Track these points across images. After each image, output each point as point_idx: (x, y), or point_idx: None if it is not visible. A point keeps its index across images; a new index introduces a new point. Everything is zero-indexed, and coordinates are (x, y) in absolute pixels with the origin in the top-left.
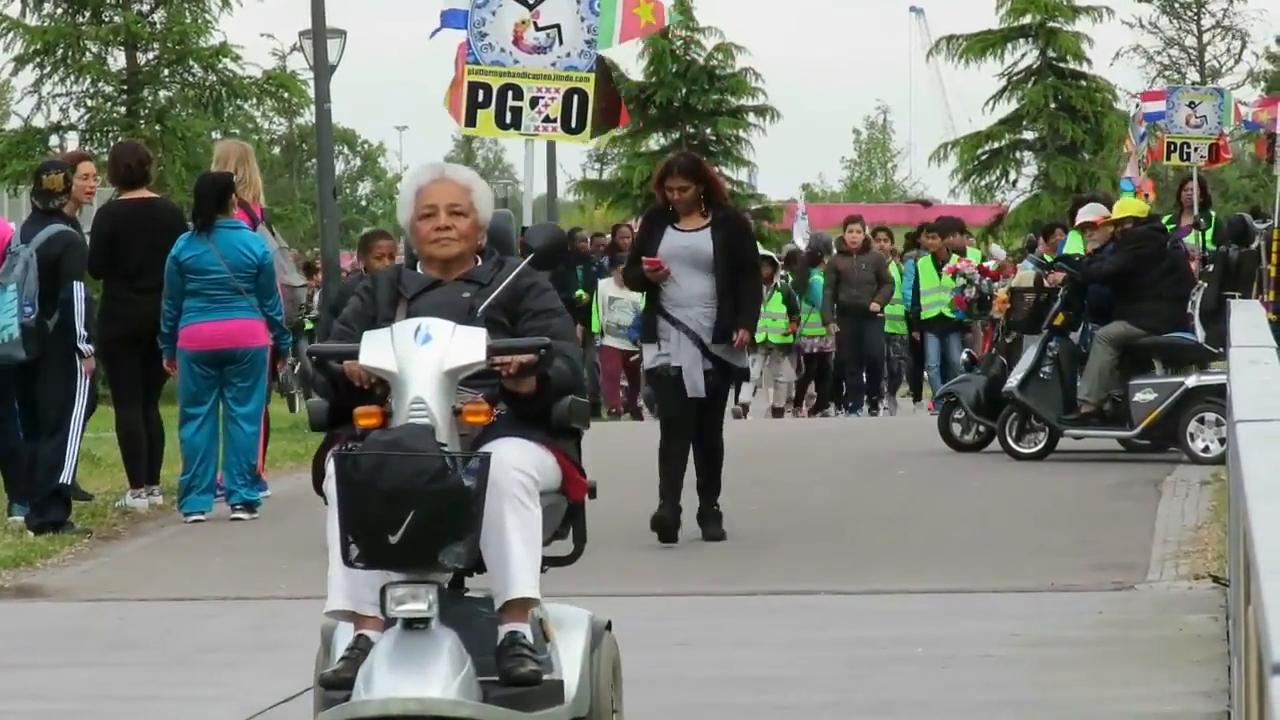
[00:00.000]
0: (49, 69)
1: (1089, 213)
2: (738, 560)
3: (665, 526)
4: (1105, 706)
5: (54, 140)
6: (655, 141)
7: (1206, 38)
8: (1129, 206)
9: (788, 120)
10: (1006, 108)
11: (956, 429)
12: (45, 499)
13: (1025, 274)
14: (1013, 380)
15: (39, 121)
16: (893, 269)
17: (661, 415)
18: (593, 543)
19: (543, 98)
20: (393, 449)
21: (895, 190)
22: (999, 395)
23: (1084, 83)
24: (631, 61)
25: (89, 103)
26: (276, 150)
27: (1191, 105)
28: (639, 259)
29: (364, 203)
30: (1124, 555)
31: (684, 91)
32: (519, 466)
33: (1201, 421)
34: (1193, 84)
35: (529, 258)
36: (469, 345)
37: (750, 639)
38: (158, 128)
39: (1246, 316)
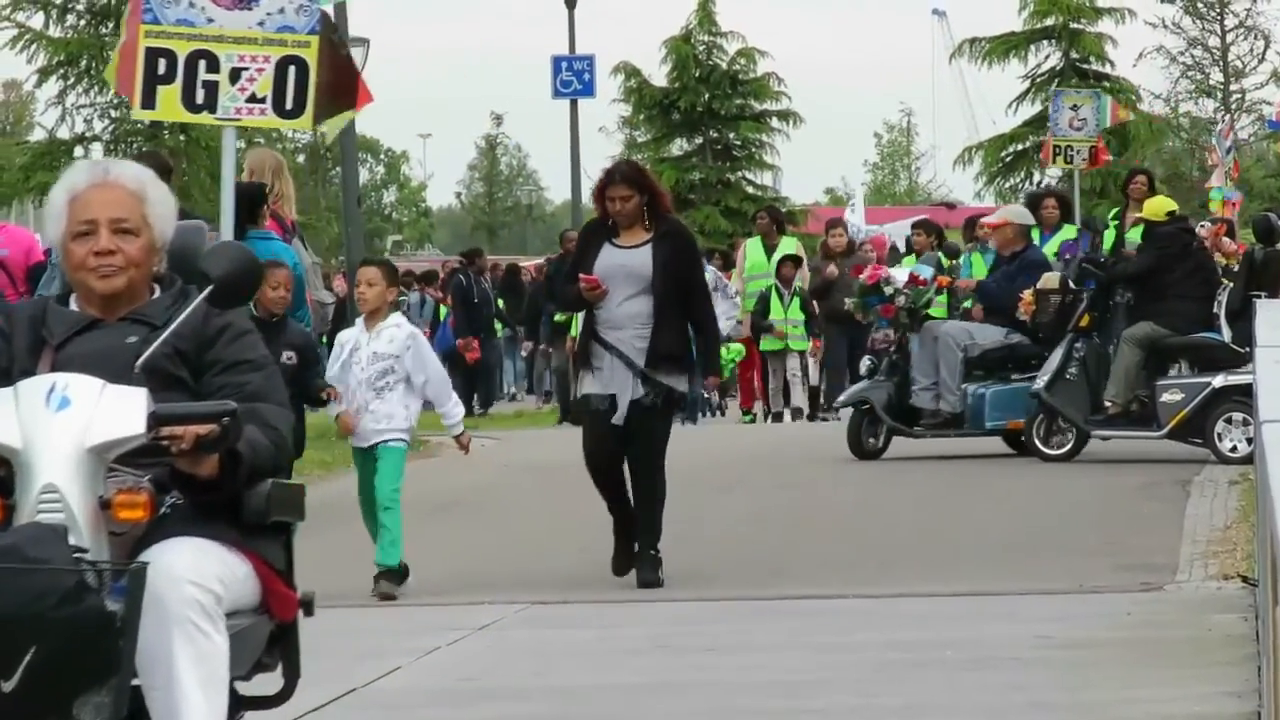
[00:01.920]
0: (72, 80)
1: (996, 216)
2: (766, 564)
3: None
4: (1134, 708)
5: (78, 151)
6: (679, 147)
7: (1230, 38)
8: (1155, 205)
9: (811, 124)
10: (1030, 109)
11: (869, 438)
12: None
13: (1051, 276)
14: (1040, 382)
15: (63, 133)
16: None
17: (585, 452)
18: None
19: (247, 69)
20: (6, 559)
21: (920, 193)
22: (908, 399)
23: (1107, 84)
24: (655, 66)
25: (113, 114)
26: (301, 159)
27: (1074, 108)
28: (574, 277)
29: (388, 211)
30: (1152, 556)
31: (707, 96)
32: (194, 579)
33: (1229, 421)
34: (1074, 86)
35: (206, 290)
36: (123, 411)
37: (778, 643)
38: (181, 138)
39: (1272, 316)
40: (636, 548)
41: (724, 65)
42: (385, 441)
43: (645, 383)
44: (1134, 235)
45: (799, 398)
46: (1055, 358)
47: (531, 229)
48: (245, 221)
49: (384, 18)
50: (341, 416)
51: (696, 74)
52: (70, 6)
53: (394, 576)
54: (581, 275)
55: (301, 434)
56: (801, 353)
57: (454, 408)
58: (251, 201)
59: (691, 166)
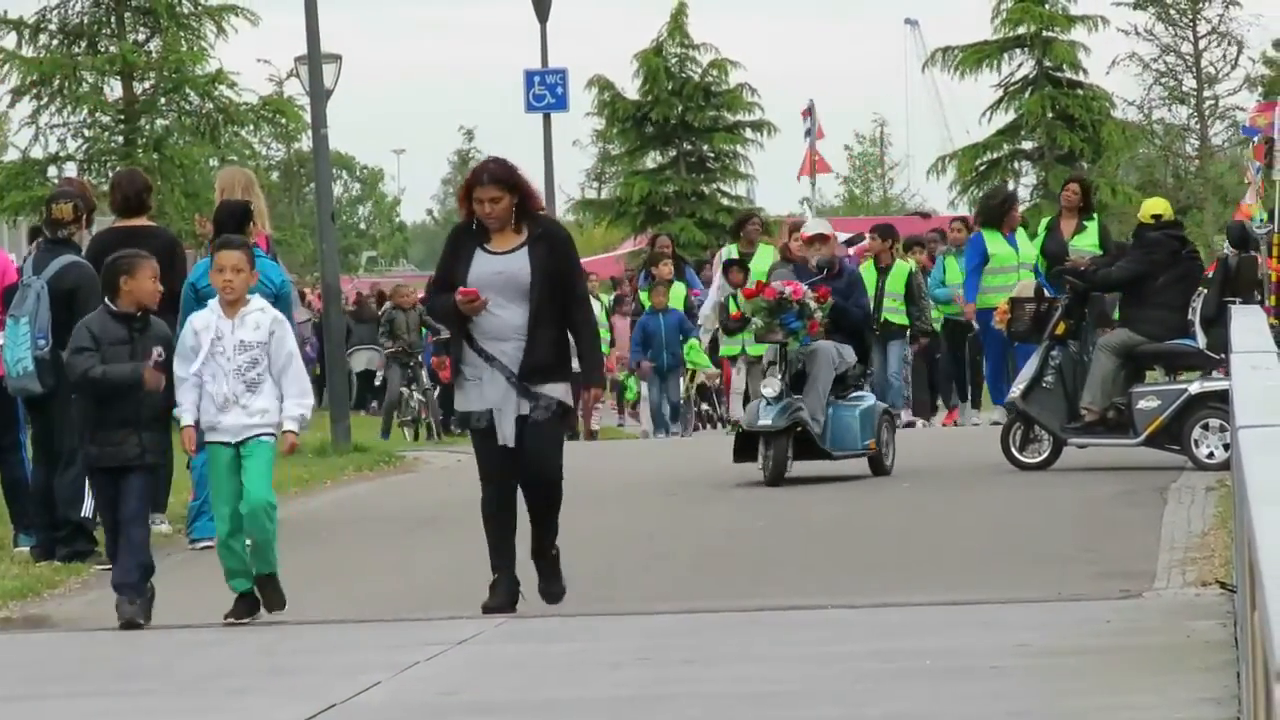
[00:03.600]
0: (46, 100)
1: (816, 226)
2: (744, 575)
3: (501, 612)
4: (1115, 714)
5: (52, 171)
6: (652, 159)
7: (1202, 44)
8: (1144, 207)
9: (785, 134)
10: (1004, 118)
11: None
12: (69, 532)
13: (1025, 284)
14: (1015, 390)
15: (37, 153)
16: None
17: (479, 470)
18: (597, 561)
19: None
20: None
21: (894, 203)
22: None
23: (1080, 91)
24: (627, 80)
25: (86, 133)
26: (275, 176)
27: None
28: (444, 287)
29: (363, 226)
30: (1131, 563)
31: (680, 108)
32: None
33: (1206, 427)
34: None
35: None
36: None
37: (758, 654)
38: (155, 156)
39: (1248, 322)
40: (531, 544)
41: (696, 77)
42: (257, 436)
43: (526, 397)
44: (1078, 243)
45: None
46: (1031, 366)
47: None
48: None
49: (356, 34)
50: (186, 429)
51: (669, 86)
52: (43, 26)
53: (276, 583)
54: (461, 289)
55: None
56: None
57: (303, 401)
58: (238, 220)
59: (666, 179)
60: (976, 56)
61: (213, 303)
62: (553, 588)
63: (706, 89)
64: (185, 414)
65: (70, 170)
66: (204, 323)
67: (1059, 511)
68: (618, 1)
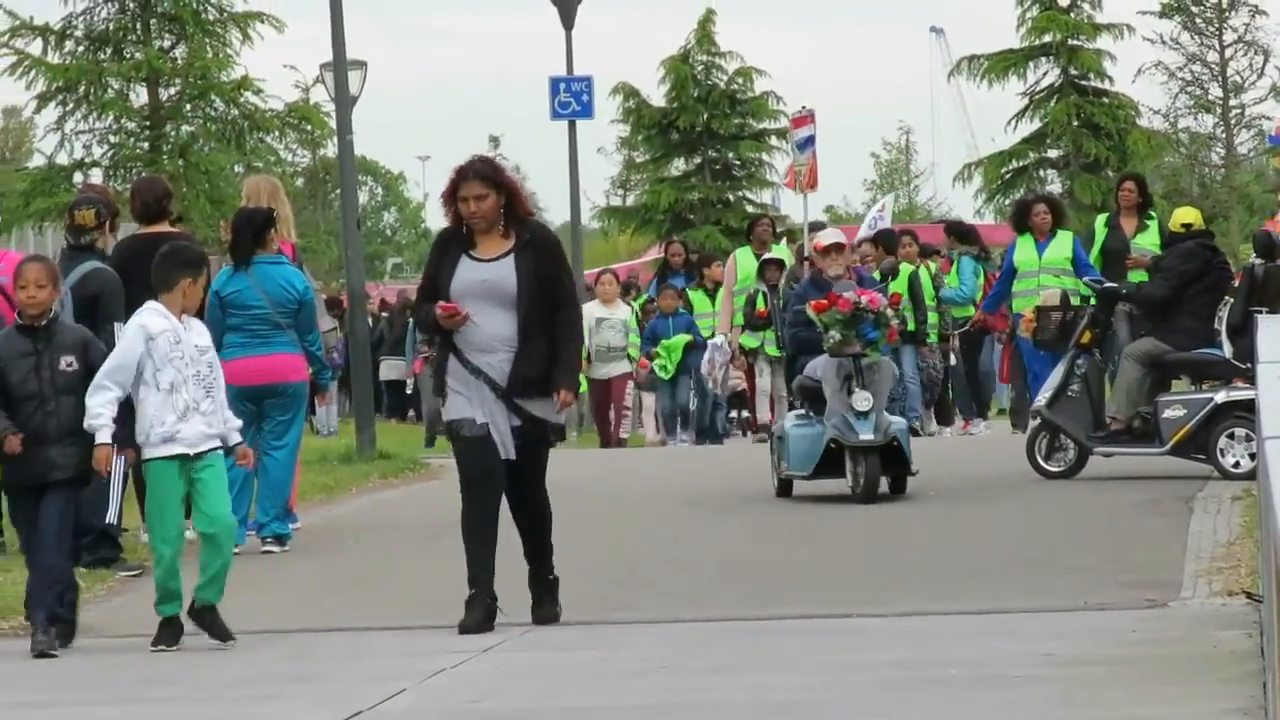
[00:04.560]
0: (71, 106)
1: (831, 236)
2: (767, 584)
3: (478, 632)
4: None
5: (77, 177)
6: (677, 166)
7: (1228, 53)
8: (1174, 216)
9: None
10: (1029, 126)
11: None
12: (95, 538)
13: (1051, 293)
14: (1041, 399)
15: (62, 159)
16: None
17: (462, 479)
18: (621, 570)
19: None
20: None
21: (920, 211)
22: None
23: (1106, 100)
24: (653, 87)
25: (112, 139)
26: (300, 182)
27: None
28: (430, 295)
29: (389, 232)
30: (1156, 573)
31: (706, 116)
32: None
33: (1231, 437)
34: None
35: None
36: None
37: (781, 663)
38: (181, 163)
39: (1274, 331)
40: (529, 573)
41: (722, 85)
42: (214, 449)
43: (516, 413)
44: (1141, 241)
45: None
46: (1057, 374)
47: None
48: (251, 246)
49: (381, 40)
50: (102, 449)
51: (695, 94)
52: (69, 33)
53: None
54: (441, 304)
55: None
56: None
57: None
58: (258, 227)
59: (691, 186)
60: (1002, 65)
61: (155, 305)
62: (548, 612)
63: (732, 96)
64: (102, 430)
65: (96, 176)
66: (159, 326)
67: (1084, 521)
68: (643, 9)
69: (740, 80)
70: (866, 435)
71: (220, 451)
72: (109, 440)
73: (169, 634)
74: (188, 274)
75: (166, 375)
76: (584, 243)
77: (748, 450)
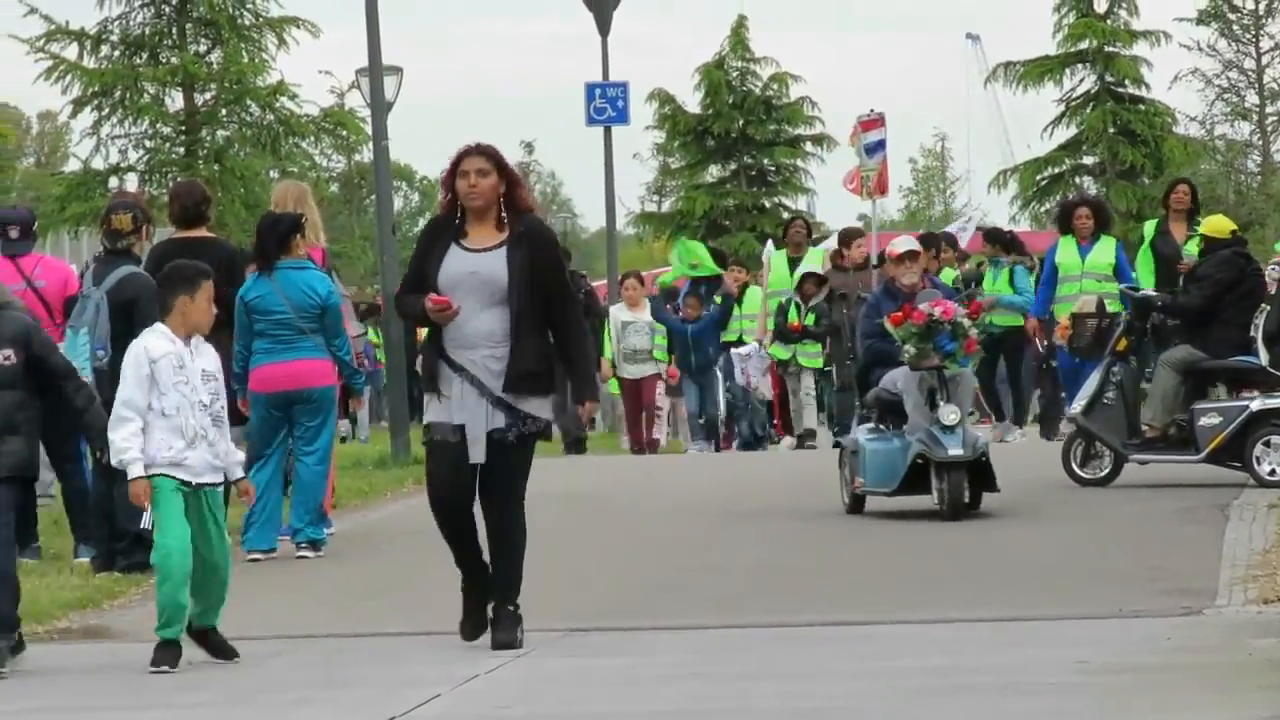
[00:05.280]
0: (107, 111)
1: (906, 244)
2: (798, 591)
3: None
4: None
5: (113, 182)
6: (713, 173)
7: (1265, 60)
8: (1219, 224)
9: (845, 148)
10: (1065, 133)
11: None
12: (130, 543)
13: (1087, 299)
14: (1076, 406)
15: (98, 163)
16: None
17: (429, 487)
18: (647, 576)
19: None
20: None
21: (955, 217)
22: None
23: (1143, 107)
24: (688, 93)
25: (147, 144)
26: (335, 188)
27: None
28: (416, 285)
29: None
30: (1191, 580)
31: (741, 122)
32: None
33: (1268, 445)
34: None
35: None
36: None
37: (812, 670)
38: (216, 167)
39: None
40: (491, 604)
41: (757, 91)
42: (215, 485)
43: (503, 411)
44: (1191, 248)
45: (810, 419)
46: (1093, 382)
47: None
48: (274, 251)
49: (417, 46)
50: (137, 484)
51: (730, 100)
52: (104, 37)
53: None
54: (432, 296)
55: (34, 452)
56: (814, 370)
57: (237, 448)
58: (281, 232)
59: (726, 192)
60: (1038, 71)
61: (161, 328)
62: (505, 638)
63: (767, 103)
64: (134, 464)
65: (131, 181)
66: (162, 349)
67: (1120, 528)
68: (678, 15)
69: (775, 86)
70: (955, 450)
71: (219, 487)
72: (142, 473)
73: (169, 655)
74: (183, 291)
75: (171, 400)
76: (619, 248)
77: (781, 458)
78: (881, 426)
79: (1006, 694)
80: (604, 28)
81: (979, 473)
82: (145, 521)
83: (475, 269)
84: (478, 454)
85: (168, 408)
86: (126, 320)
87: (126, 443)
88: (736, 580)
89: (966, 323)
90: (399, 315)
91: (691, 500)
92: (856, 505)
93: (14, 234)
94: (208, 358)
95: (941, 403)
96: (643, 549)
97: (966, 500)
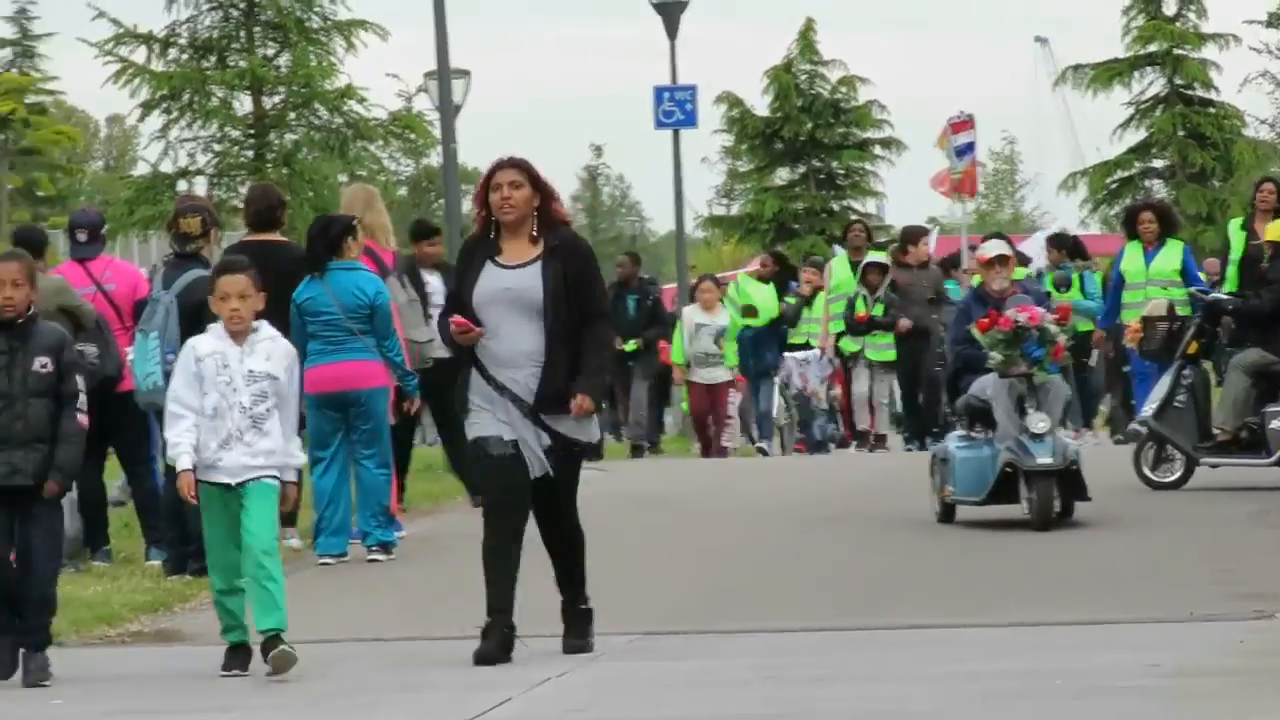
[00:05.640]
0: (176, 114)
1: (995, 248)
2: (872, 594)
3: (493, 663)
4: None
5: (181, 185)
6: (782, 176)
7: None
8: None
9: (914, 151)
10: (1135, 136)
11: None
12: (200, 546)
13: (1158, 303)
14: (1147, 409)
15: (166, 167)
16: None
17: (486, 503)
18: (724, 579)
19: None
20: None
21: (1025, 221)
22: None
23: (1212, 110)
24: (757, 96)
25: (216, 147)
26: (403, 191)
27: None
28: (456, 306)
29: None
30: (1265, 584)
31: (809, 125)
32: None
33: None
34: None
35: None
36: None
37: (885, 673)
38: (285, 171)
39: None
40: (562, 602)
41: (826, 94)
42: (258, 479)
43: (545, 432)
44: None
45: (881, 421)
46: (1163, 385)
47: None
48: (324, 253)
49: (485, 49)
50: (185, 476)
51: (799, 103)
52: (173, 41)
53: (282, 639)
54: (455, 319)
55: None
56: (884, 365)
57: (297, 450)
58: (333, 234)
59: (795, 196)
60: (1107, 74)
61: (216, 328)
62: (579, 642)
63: (836, 106)
64: (182, 456)
65: (200, 184)
66: (209, 348)
67: (1192, 532)
68: (747, 18)
69: (844, 89)
70: (1045, 459)
71: (265, 480)
72: (189, 466)
73: (237, 660)
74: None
75: (210, 399)
76: (688, 252)
77: (849, 460)
78: (972, 434)
79: (1079, 697)
80: (672, 31)
81: (1070, 482)
82: None
83: (510, 285)
84: (542, 466)
85: (207, 406)
86: (196, 323)
87: (178, 438)
88: (809, 583)
89: (1054, 329)
90: (442, 339)
91: (763, 503)
92: (947, 514)
93: (82, 237)
94: (259, 358)
95: (1031, 410)
96: (714, 552)
97: (1057, 510)
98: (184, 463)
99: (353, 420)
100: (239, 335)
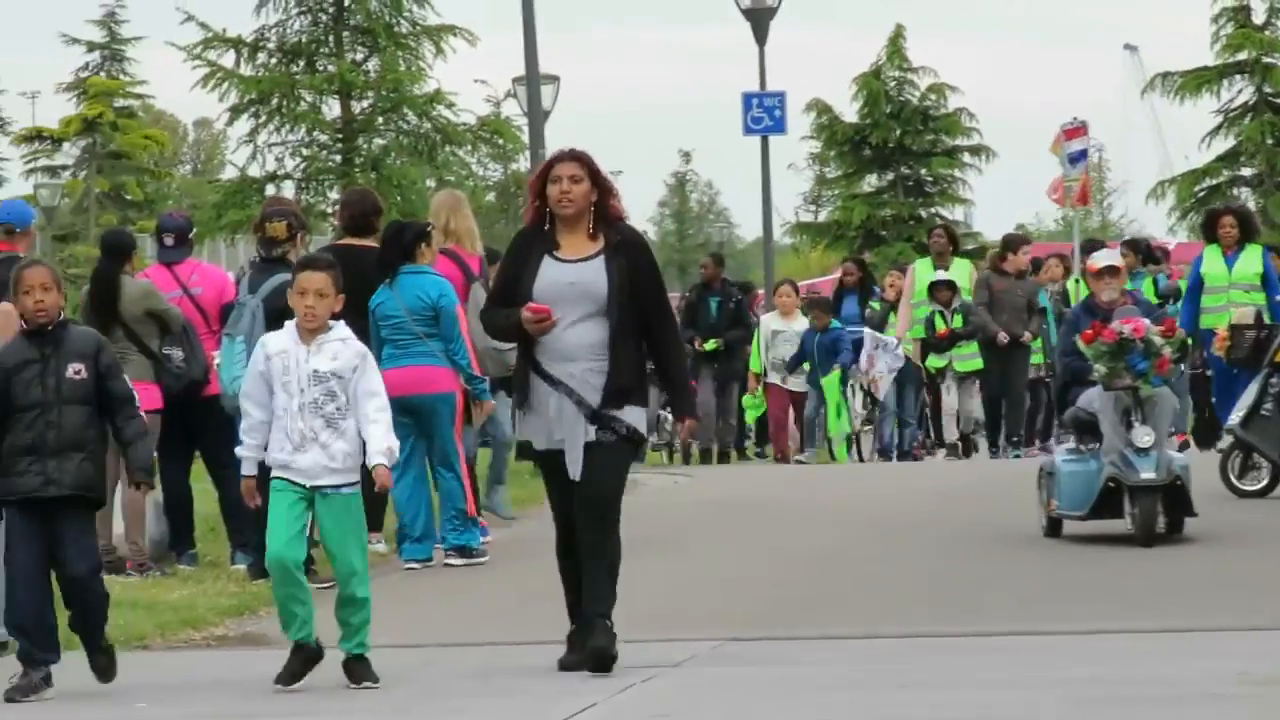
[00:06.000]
0: (264, 118)
1: (1107, 257)
2: (958, 601)
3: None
4: None
5: (270, 189)
6: (870, 183)
7: None
8: None
9: (1003, 158)
10: (1223, 144)
11: None
12: None
13: (1245, 310)
14: (1234, 417)
15: (254, 171)
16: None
17: (555, 510)
18: (810, 586)
19: None
20: None
21: (1113, 229)
22: None
23: None
24: (845, 103)
25: (304, 152)
26: (491, 196)
27: None
28: (506, 298)
29: None
30: None
31: (898, 132)
32: None
33: None
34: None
35: None
36: None
37: (973, 679)
38: (372, 176)
39: None
40: (582, 613)
41: (915, 101)
42: (338, 488)
43: (602, 426)
44: None
45: (959, 428)
46: (1251, 393)
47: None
48: (395, 258)
49: (574, 54)
50: (247, 482)
51: (887, 110)
52: (261, 45)
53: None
54: (531, 305)
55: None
56: (973, 375)
57: (389, 435)
58: (406, 240)
59: (883, 202)
60: (1196, 82)
61: (290, 325)
62: (602, 646)
63: (925, 113)
64: (246, 461)
65: (288, 188)
66: (278, 347)
67: (1279, 539)
68: (836, 25)
69: (933, 96)
70: (1148, 474)
71: (346, 491)
72: (252, 472)
73: (294, 663)
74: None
75: (280, 400)
76: (775, 258)
77: (936, 468)
78: (1081, 448)
79: (1166, 705)
80: (761, 37)
81: (1175, 497)
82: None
83: (574, 280)
84: (575, 470)
85: (277, 408)
86: (281, 327)
87: (245, 438)
88: (896, 590)
89: (1159, 341)
90: (485, 330)
91: (848, 510)
92: (1054, 528)
93: (170, 241)
94: (325, 357)
95: (1136, 424)
96: (799, 558)
97: (1164, 525)
98: (246, 468)
99: (425, 425)
100: (310, 334)
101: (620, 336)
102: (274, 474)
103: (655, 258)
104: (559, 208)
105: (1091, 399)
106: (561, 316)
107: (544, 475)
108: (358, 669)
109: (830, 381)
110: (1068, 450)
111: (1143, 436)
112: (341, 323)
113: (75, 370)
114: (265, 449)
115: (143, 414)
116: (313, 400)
